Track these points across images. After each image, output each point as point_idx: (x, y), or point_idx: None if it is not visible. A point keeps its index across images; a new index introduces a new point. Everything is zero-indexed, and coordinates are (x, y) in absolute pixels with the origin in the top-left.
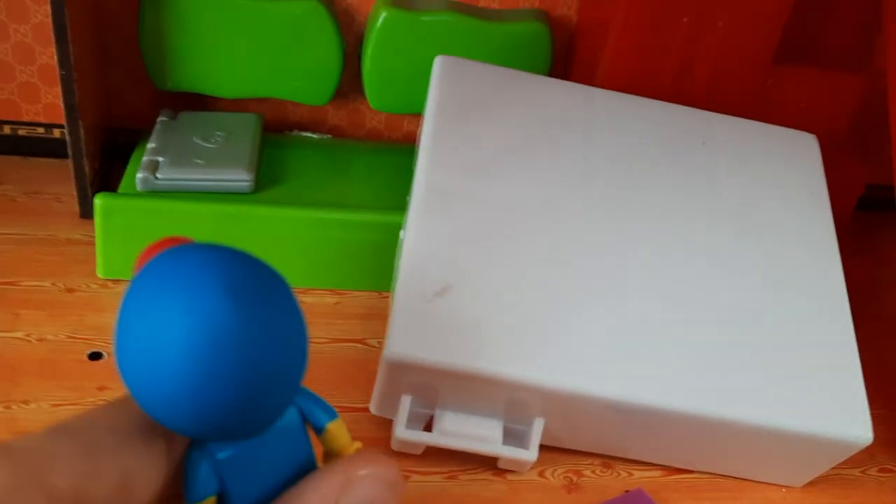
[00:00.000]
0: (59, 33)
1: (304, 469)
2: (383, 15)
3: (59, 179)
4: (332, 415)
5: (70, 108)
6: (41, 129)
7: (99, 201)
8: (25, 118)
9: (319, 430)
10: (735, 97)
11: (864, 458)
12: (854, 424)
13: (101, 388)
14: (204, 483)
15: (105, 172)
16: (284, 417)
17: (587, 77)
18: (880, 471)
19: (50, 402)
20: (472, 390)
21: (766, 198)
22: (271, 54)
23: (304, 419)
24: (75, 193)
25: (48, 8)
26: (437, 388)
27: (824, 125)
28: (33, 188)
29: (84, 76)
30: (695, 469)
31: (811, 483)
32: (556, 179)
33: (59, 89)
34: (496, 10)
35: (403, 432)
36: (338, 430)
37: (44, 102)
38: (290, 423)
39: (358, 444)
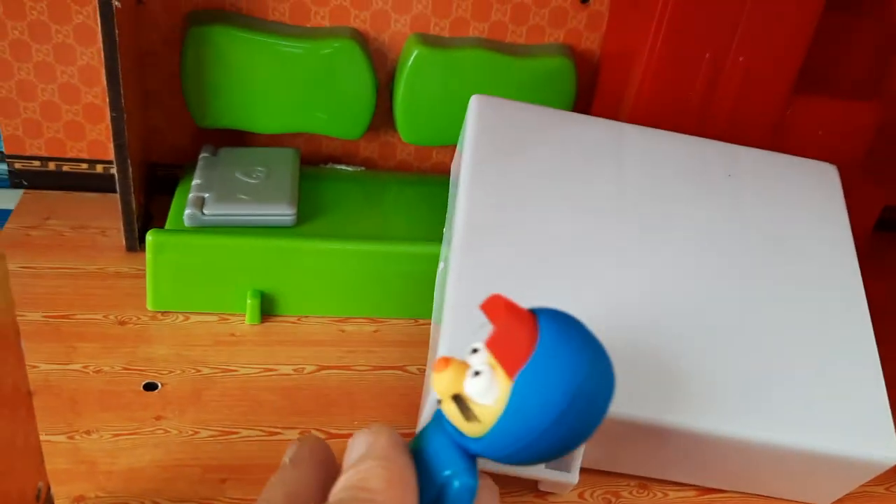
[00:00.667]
0: (112, 78)
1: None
2: (415, 52)
3: (103, 214)
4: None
5: (120, 147)
6: (84, 165)
7: (150, 238)
8: (70, 155)
9: None
10: (756, 128)
11: (889, 474)
12: (880, 444)
13: (158, 418)
14: None
15: (147, 206)
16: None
17: (611, 108)
18: None
19: (111, 433)
20: None
21: (790, 226)
22: (307, 91)
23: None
24: (121, 228)
25: (93, 50)
26: None
27: (842, 151)
28: (79, 223)
29: (130, 116)
30: (727, 489)
31: (838, 501)
32: (590, 213)
33: (102, 126)
34: (523, 46)
35: None
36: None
37: (88, 140)
38: (427, 475)
39: None
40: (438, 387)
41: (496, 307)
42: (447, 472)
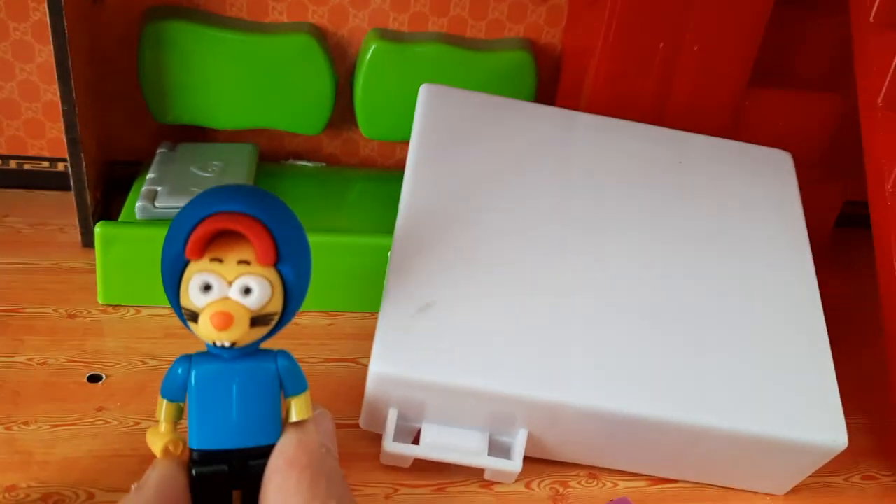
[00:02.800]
0: (62, 71)
1: (267, 419)
2: (373, 47)
3: (62, 211)
4: (299, 391)
5: (72, 141)
6: (45, 163)
7: (99, 230)
8: (30, 153)
9: (286, 395)
10: (712, 119)
11: (848, 465)
12: (829, 429)
13: (99, 409)
14: (173, 385)
15: (107, 204)
16: (261, 367)
17: (572, 101)
18: (863, 478)
19: (50, 423)
20: (457, 403)
21: (742, 213)
22: (267, 87)
23: (280, 380)
24: (77, 224)
25: (52, 48)
26: (423, 401)
27: (802, 145)
28: (38, 220)
29: (85, 112)
30: (679, 478)
31: (795, 490)
32: (536, 200)
33: (62, 124)
34: (483, 40)
35: (391, 446)
36: (296, 403)
37: (48, 137)
38: (263, 371)
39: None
40: (240, 329)
41: (208, 232)
42: (272, 365)
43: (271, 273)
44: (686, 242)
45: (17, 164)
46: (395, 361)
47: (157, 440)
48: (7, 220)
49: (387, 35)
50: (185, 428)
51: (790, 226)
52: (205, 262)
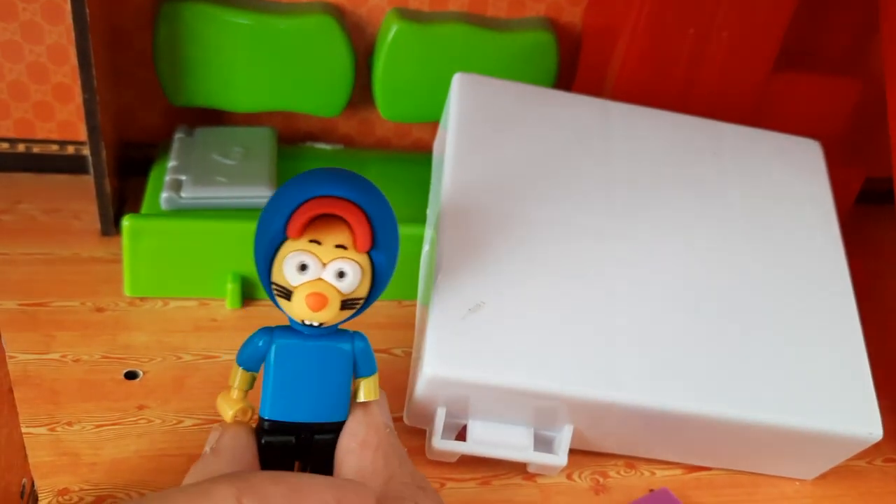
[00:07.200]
0: (83, 58)
1: (338, 397)
2: (394, 28)
3: (75, 196)
4: (370, 373)
5: (93, 129)
6: (55, 147)
7: (127, 223)
8: (39, 136)
9: (356, 376)
10: (738, 104)
11: (870, 449)
12: (864, 422)
13: (140, 407)
14: (252, 355)
15: (121, 188)
16: (339, 347)
17: (594, 84)
18: (885, 461)
19: (93, 423)
20: (505, 401)
21: (774, 204)
22: (285, 69)
23: (354, 361)
24: (96, 212)
25: (61, 28)
26: (471, 399)
27: (823, 127)
28: (52, 206)
29: (104, 97)
30: (713, 466)
31: (821, 475)
32: (576, 194)
33: (72, 106)
34: (504, 20)
35: (440, 443)
36: (365, 384)
37: (58, 120)
38: (341, 352)
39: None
40: (332, 311)
41: (309, 212)
42: (349, 345)
43: (364, 259)
44: (722, 234)
45: (26, 147)
46: (449, 364)
47: (228, 406)
48: (20, 206)
49: (407, 15)
50: (255, 396)
51: (821, 215)
52: (303, 242)
